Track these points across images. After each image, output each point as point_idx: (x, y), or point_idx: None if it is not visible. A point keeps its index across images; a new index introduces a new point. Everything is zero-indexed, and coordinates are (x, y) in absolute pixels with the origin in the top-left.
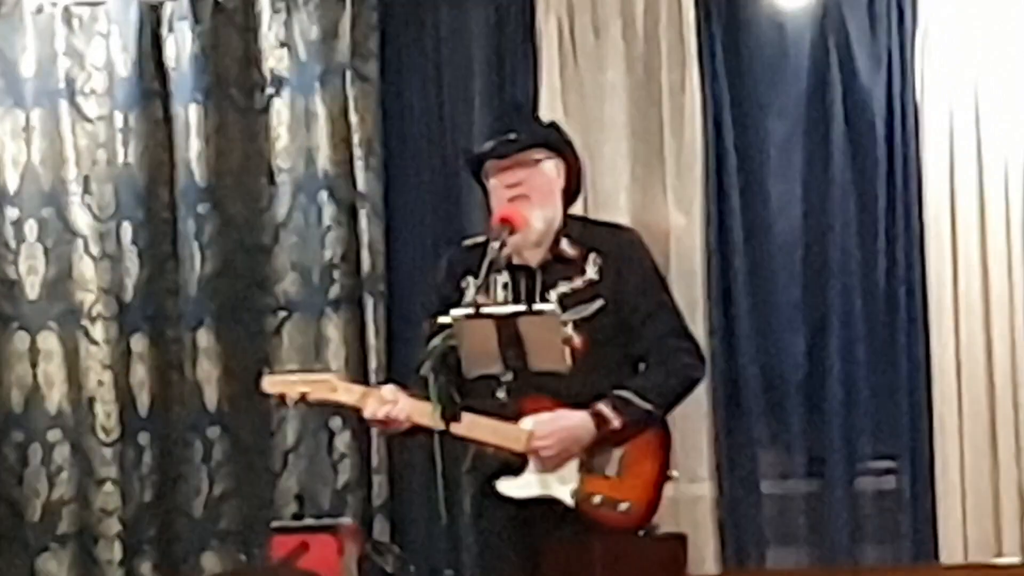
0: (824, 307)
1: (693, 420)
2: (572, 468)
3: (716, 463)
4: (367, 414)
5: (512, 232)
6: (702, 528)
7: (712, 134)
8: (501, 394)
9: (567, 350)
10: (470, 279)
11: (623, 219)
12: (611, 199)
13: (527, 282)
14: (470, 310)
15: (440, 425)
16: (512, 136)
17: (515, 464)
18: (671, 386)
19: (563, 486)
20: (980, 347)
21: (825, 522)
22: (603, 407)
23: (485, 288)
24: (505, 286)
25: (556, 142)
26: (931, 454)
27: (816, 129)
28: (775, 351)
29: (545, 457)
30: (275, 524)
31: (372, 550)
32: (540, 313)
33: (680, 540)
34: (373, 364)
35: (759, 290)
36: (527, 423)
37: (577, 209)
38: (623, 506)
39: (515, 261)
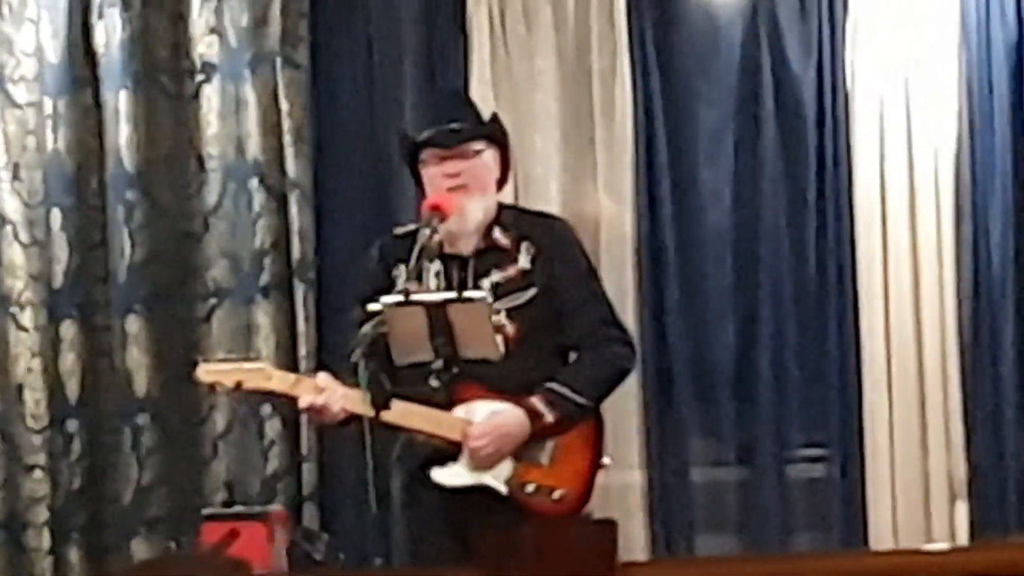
0: (755, 295)
1: (624, 408)
2: (506, 459)
3: (646, 451)
4: (302, 403)
5: (443, 219)
6: (632, 516)
7: (643, 122)
8: (433, 382)
9: (498, 338)
10: (402, 267)
11: (554, 207)
12: (541, 187)
13: (459, 271)
14: (400, 297)
15: (371, 412)
16: (455, 126)
17: (446, 452)
18: (603, 377)
19: (496, 474)
20: (910, 335)
21: (755, 510)
22: (537, 403)
23: (417, 276)
24: (437, 275)
25: (496, 134)
26: (861, 442)
27: (747, 117)
28: (706, 339)
29: (482, 456)
30: (205, 512)
31: (302, 537)
32: (470, 300)
33: (611, 525)
34: (303, 351)
35: (690, 278)
36: (460, 411)
37: (507, 197)
38: (556, 494)
39: (448, 250)
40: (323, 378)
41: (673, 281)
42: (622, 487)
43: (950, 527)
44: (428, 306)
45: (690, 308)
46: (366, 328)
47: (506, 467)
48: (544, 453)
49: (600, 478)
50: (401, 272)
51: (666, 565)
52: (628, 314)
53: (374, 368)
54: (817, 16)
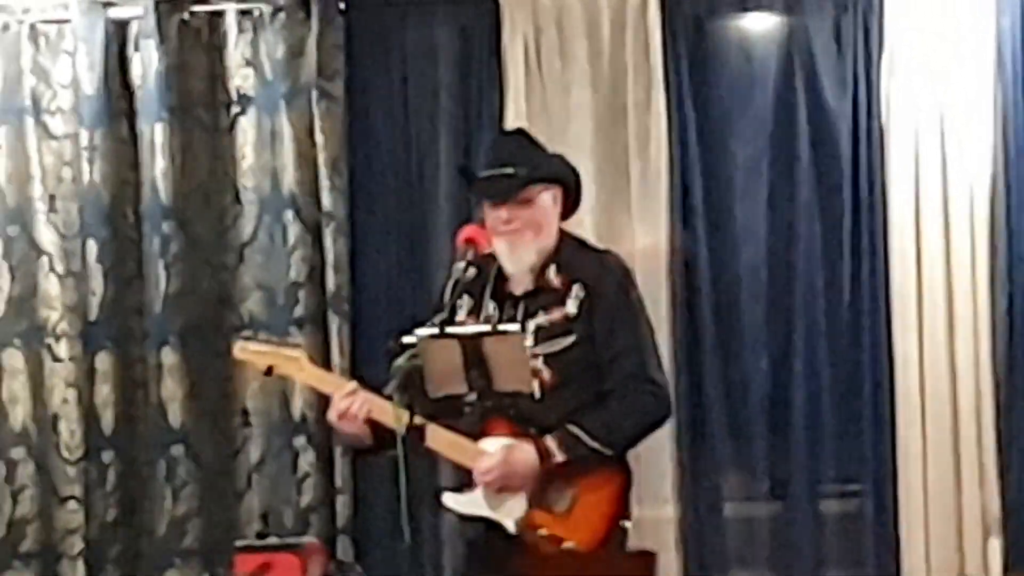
0: (788, 329)
1: (657, 442)
2: (520, 499)
3: (680, 485)
4: (332, 413)
5: (477, 252)
6: (665, 550)
7: (678, 156)
8: (467, 414)
9: (534, 382)
10: (466, 297)
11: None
12: (576, 220)
13: (511, 310)
14: (435, 330)
15: (402, 419)
16: (509, 171)
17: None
18: (625, 427)
19: (508, 513)
20: (944, 370)
21: (788, 545)
22: (549, 441)
23: (476, 312)
24: (490, 314)
25: (557, 174)
26: (894, 477)
27: (782, 151)
28: (739, 373)
29: (489, 485)
30: (238, 543)
31: (336, 570)
32: (504, 333)
33: (650, 557)
34: None
35: (723, 312)
36: (485, 443)
37: None
38: (567, 545)
39: (506, 285)
40: (351, 384)
41: (707, 315)
42: (655, 522)
43: (983, 563)
44: (463, 339)
45: (724, 342)
46: (401, 360)
47: (519, 507)
48: (562, 500)
49: (634, 512)
50: (464, 303)
51: None
52: (662, 348)
53: (408, 401)
54: (852, 50)
